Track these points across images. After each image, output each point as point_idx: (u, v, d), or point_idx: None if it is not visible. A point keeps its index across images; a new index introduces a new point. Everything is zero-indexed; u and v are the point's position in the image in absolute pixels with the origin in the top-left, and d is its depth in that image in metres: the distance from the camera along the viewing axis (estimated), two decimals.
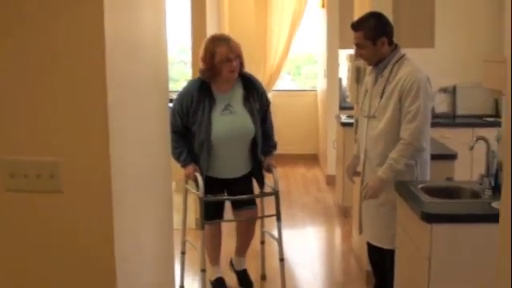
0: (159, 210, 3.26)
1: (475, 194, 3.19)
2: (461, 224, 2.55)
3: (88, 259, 2.19)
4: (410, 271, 3.23)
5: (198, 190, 3.98)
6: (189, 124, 4.05)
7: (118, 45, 2.21)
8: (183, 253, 4.35)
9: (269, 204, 4.30)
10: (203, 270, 4.02)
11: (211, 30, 6.37)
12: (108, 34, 2.04)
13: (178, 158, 4.07)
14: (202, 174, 4.01)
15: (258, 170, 4.20)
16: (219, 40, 4.05)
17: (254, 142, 4.12)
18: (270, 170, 4.19)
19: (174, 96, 4.29)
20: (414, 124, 3.49)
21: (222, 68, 3.94)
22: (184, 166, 4.08)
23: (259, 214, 4.34)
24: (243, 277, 4.46)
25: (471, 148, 3.21)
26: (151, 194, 3.04)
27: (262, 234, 4.39)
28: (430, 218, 2.83)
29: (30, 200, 2.13)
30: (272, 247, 4.54)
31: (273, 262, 4.47)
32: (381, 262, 3.82)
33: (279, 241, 4.13)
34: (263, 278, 4.47)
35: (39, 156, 2.08)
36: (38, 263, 2.20)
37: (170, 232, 3.62)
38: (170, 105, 3.95)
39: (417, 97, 3.51)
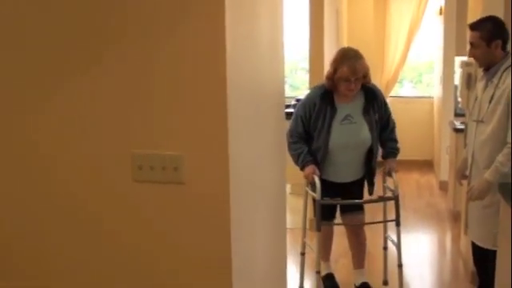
0: (272, 209, 3.46)
1: None
2: None
3: (204, 250, 2.38)
4: (507, 265, 3.35)
5: (315, 192, 4.07)
6: (310, 129, 4.19)
7: (237, 49, 2.43)
8: (303, 254, 4.41)
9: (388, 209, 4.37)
10: (318, 272, 4.13)
11: (329, 38, 6.61)
12: (229, 40, 2.25)
13: (297, 160, 4.19)
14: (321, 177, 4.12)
15: (370, 176, 4.32)
16: (346, 58, 4.08)
17: (370, 151, 4.23)
18: (390, 174, 4.25)
19: (293, 102, 4.56)
20: None
21: (341, 85, 4.07)
22: (303, 167, 4.17)
23: (382, 219, 4.41)
24: None
25: None
26: (266, 193, 3.25)
27: (385, 239, 4.45)
28: None
29: (155, 190, 2.35)
30: (389, 252, 4.59)
31: (390, 267, 4.49)
32: (484, 262, 3.93)
33: (398, 246, 4.17)
34: (385, 283, 4.48)
35: (165, 150, 2.30)
36: (157, 249, 2.41)
37: (283, 232, 3.87)
38: (287, 110, 4.21)
39: None
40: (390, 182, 4.25)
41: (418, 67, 10.53)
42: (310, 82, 6.20)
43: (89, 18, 2.28)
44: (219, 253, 2.40)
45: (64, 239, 2.47)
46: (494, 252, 3.70)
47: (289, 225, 4.10)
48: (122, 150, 2.34)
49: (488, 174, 3.67)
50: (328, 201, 4.13)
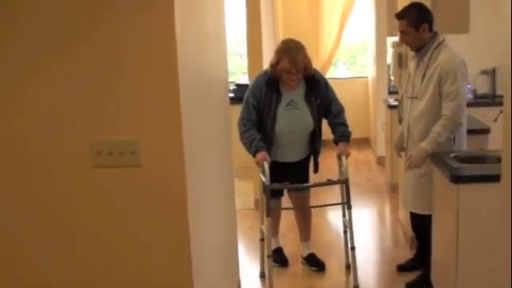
0: (223, 191, 3.69)
1: (500, 159, 3.56)
2: (484, 183, 2.91)
3: (164, 228, 2.53)
4: (443, 229, 3.65)
5: (264, 177, 4.23)
6: (260, 113, 4.38)
7: (186, 40, 2.60)
8: (262, 239, 4.53)
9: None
10: (269, 256, 4.25)
11: (266, 22, 6.76)
12: (178, 31, 2.41)
13: (249, 147, 4.35)
14: (271, 163, 4.26)
15: (315, 155, 4.58)
16: (288, 51, 4.26)
17: (313, 133, 4.48)
18: (339, 158, 4.43)
19: (232, 87, 4.69)
20: (455, 102, 3.88)
21: (283, 75, 4.28)
22: (254, 153, 4.32)
23: (339, 201, 4.57)
24: (313, 259, 4.72)
25: (495, 120, 3.60)
26: (216, 175, 3.45)
27: (344, 223, 4.59)
28: (457, 179, 3.27)
29: (114, 174, 2.48)
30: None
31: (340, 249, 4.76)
32: (422, 226, 4.22)
33: (350, 229, 4.31)
34: (348, 267, 4.58)
35: (122, 136, 2.43)
36: (118, 230, 2.54)
37: (233, 213, 4.12)
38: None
39: (455, 79, 3.90)
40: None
41: (352, 49, 10.81)
42: (249, 68, 6.32)
43: (50, 17, 2.39)
44: (178, 230, 2.56)
45: (26, 226, 2.56)
46: (430, 216, 4.00)
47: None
48: (81, 138, 2.45)
49: (425, 144, 3.94)
50: (277, 185, 4.32)
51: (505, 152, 2.34)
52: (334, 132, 4.53)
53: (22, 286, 2.63)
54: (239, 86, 7.61)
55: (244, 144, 4.39)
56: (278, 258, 4.72)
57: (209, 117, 3.25)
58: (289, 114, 4.38)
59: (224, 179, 3.76)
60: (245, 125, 4.37)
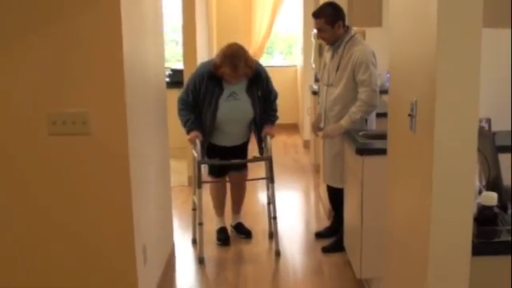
0: (159, 166, 4.11)
1: None
2: (383, 156, 3.37)
3: (108, 183, 2.97)
4: (352, 198, 4.19)
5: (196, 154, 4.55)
6: (199, 101, 4.60)
7: (130, 25, 3.04)
8: (194, 209, 4.84)
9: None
10: (200, 224, 4.57)
11: (200, 10, 7.13)
12: (124, 18, 2.85)
13: (184, 125, 4.63)
14: (203, 141, 4.58)
15: (258, 140, 4.84)
16: (230, 59, 4.42)
17: (254, 121, 4.74)
18: (264, 138, 4.75)
19: (167, 73, 4.98)
20: (369, 88, 4.37)
21: (225, 77, 4.51)
22: (188, 132, 4.62)
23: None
24: (240, 227, 5.13)
25: None
26: (154, 150, 3.88)
27: (268, 196, 4.92)
28: (362, 152, 3.80)
29: (67, 141, 2.92)
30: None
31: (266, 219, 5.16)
32: (336, 198, 4.76)
33: (273, 201, 4.73)
34: (271, 236, 4.96)
35: (75, 108, 2.88)
36: (69, 191, 2.97)
37: (168, 187, 4.54)
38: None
39: (367, 67, 4.39)
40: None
41: (288, 39, 11.25)
42: (184, 55, 6.67)
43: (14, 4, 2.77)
44: (121, 189, 3.03)
45: None
46: (343, 190, 4.54)
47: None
48: (39, 110, 2.88)
49: (343, 121, 4.42)
50: (207, 161, 4.74)
51: (390, 137, 2.86)
52: (264, 115, 4.79)
53: None
54: (174, 71, 8.00)
55: (180, 120, 4.67)
56: (222, 236, 5.03)
57: (148, 99, 3.67)
58: (230, 105, 4.60)
59: (160, 156, 4.18)
60: (182, 103, 4.64)
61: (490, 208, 2.23)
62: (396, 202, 2.81)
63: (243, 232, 5.11)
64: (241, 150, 4.92)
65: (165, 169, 4.39)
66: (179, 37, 8.68)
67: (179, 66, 8.29)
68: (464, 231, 2.14)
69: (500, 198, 2.36)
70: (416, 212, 2.39)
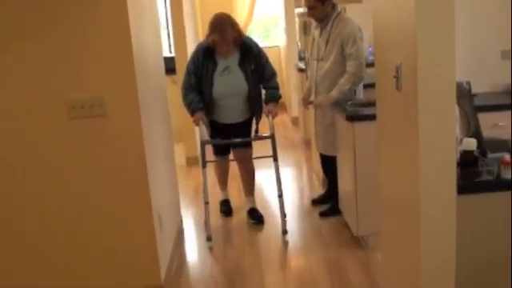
0: (165, 147, 4.38)
1: None
2: (372, 121, 3.63)
3: (126, 158, 3.28)
4: (345, 164, 4.50)
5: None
6: (199, 78, 4.75)
7: (135, 21, 3.32)
8: (207, 203, 4.71)
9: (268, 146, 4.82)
10: (207, 203, 4.69)
11: (186, 0, 7.39)
12: (131, 14, 3.15)
13: (188, 108, 4.78)
14: (206, 122, 4.74)
15: (256, 117, 4.97)
16: (218, 25, 4.61)
17: (249, 96, 4.85)
18: (267, 116, 4.81)
19: None
20: (356, 60, 4.66)
21: (216, 46, 4.67)
22: (192, 114, 4.76)
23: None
24: (252, 213, 5.15)
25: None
26: (160, 133, 4.15)
27: (278, 186, 4.80)
28: (352, 118, 4.11)
29: (86, 123, 3.23)
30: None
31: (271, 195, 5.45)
32: (329, 166, 5.07)
33: (277, 178, 4.76)
34: (284, 232, 4.74)
35: (91, 93, 3.19)
36: (90, 169, 3.28)
37: (173, 166, 4.81)
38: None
39: (354, 41, 4.68)
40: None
41: (265, 22, 11.55)
42: (175, 43, 6.99)
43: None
44: (138, 165, 3.35)
45: (14, 175, 3.27)
46: (335, 158, 4.85)
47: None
48: (59, 96, 3.17)
49: (333, 92, 4.72)
50: (210, 141, 4.95)
51: (378, 99, 3.17)
52: (265, 94, 4.94)
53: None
54: (165, 58, 8.21)
55: (185, 106, 4.83)
56: (225, 208, 5.33)
57: (152, 85, 3.95)
58: (224, 79, 4.75)
59: (165, 136, 4.45)
60: (186, 89, 4.79)
61: (470, 152, 2.56)
62: (386, 159, 3.12)
63: (255, 217, 5.13)
64: (243, 128, 5.01)
65: (169, 148, 4.67)
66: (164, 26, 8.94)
67: (167, 53, 8.55)
68: (449, 174, 2.45)
69: (480, 147, 2.69)
70: (405, 164, 2.70)
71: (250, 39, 4.98)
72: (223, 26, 4.63)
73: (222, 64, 4.78)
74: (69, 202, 3.31)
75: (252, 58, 4.82)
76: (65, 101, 3.17)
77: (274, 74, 4.96)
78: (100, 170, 3.30)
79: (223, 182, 5.39)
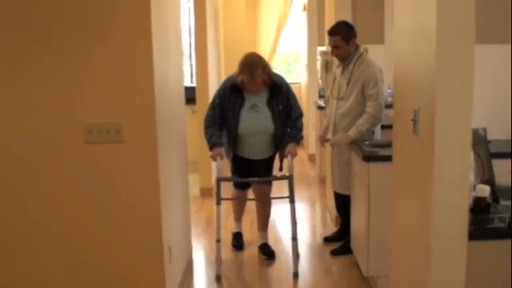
0: (180, 177, 4.39)
1: None
2: (388, 162, 3.66)
3: (140, 184, 3.29)
4: (359, 203, 4.50)
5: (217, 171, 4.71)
6: (224, 112, 4.74)
7: (158, 47, 3.38)
8: (218, 241, 4.66)
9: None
10: (218, 241, 4.63)
11: (210, 34, 7.48)
12: (154, 40, 3.20)
13: (208, 141, 4.75)
14: (225, 158, 4.73)
15: (280, 156, 4.93)
16: (247, 67, 4.57)
17: (274, 136, 4.81)
18: (287, 157, 4.79)
19: None
20: (376, 102, 4.72)
21: (244, 86, 4.65)
22: (211, 148, 4.74)
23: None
24: (264, 248, 5.10)
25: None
26: (176, 162, 4.17)
27: (292, 230, 4.72)
28: (368, 159, 4.13)
29: (102, 149, 3.24)
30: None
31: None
32: (344, 205, 5.07)
33: (292, 221, 4.70)
34: (295, 275, 4.63)
35: (109, 119, 3.20)
36: (105, 193, 3.28)
37: (187, 197, 4.81)
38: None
39: (375, 83, 4.74)
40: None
41: (287, 58, 11.67)
42: (197, 74, 7.08)
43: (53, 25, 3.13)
44: (151, 194, 3.35)
45: (27, 197, 3.28)
46: (349, 197, 4.85)
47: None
48: (78, 121, 3.21)
49: (350, 131, 4.76)
50: (226, 178, 4.93)
51: (395, 141, 3.19)
52: (288, 134, 4.87)
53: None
54: (186, 88, 8.31)
55: (205, 138, 4.80)
56: (237, 242, 5.28)
57: (170, 114, 3.99)
58: (251, 117, 4.71)
59: (180, 167, 4.47)
60: (208, 121, 4.77)
61: (483, 199, 2.57)
62: (400, 201, 3.13)
63: (266, 253, 5.07)
64: (266, 164, 4.99)
65: (184, 178, 4.70)
66: (185, 56, 9.06)
67: (186, 83, 8.63)
68: (461, 219, 2.46)
69: (493, 194, 2.70)
70: (418, 207, 2.71)
71: (281, 78, 4.92)
72: (253, 68, 4.57)
73: (249, 101, 4.74)
74: (80, 227, 3.33)
75: (281, 97, 4.77)
76: (82, 126, 3.20)
77: (300, 115, 4.92)
78: (113, 196, 3.31)
79: (239, 214, 5.36)
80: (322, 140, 5.39)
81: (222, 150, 4.75)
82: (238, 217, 5.37)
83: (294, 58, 11.55)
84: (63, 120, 3.22)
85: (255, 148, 4.88)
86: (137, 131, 3.26)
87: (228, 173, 5.22)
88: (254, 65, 4.58)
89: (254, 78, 4.58)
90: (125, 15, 3.15)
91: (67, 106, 3.21)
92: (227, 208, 5.45)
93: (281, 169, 5.08)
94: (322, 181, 7.26)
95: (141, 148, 3.28)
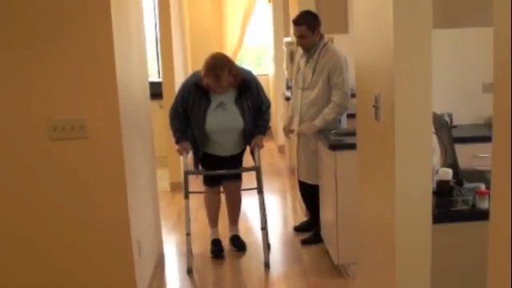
0: (147, 172, 4.38)
1: None
2: (353, 150, 3.64)
3: (105, 180, 3.27)
4: (327, 192, 4.53)
5: (192, 165, 4.67)
6: (188, 110, 4.62)
7: (120, 42, 3.37)
8: (188, 234, 4.64)
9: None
10: (188, 234, 4.60)
11: (175, 28, 7.43)
12: (115, 37, 3.18)
13: (174, 135, 4.72)
14: (192, 152, 4.68)
15: (250, 149, 4.83)
16: (212, 69, 4.40)
17: (244, 131, 4.70)
18: (253, 149, 4.76)
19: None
20: (341, 91, 4.73)
21: (209, 87, 4.50)
22: (176, 142, 4.71)
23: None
24: (234, 240, 5.07)
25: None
26: (143, 157, 4.18)
27: (261, 220, 4.75)
28: (334, 147, 4.15)
29: (67, 145, 3.21)
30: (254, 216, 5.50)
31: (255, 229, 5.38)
32: (311, 195, 5.07)
33: (261, 211, 4.70)
34: (266, 265, 4.65)
35: (73, 115, 3.18)
36: (69, 190, 3.25)
37: (155, 192, 4.80)
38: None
39: (341, 72, 4.75)
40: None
41: (257, 51, 11.65)
42: (163, 69, 7.02)
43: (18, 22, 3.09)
44: (117, 188, 3.34)
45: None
46: (317, 186, 4.88)
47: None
48: (41, 117, 3.17)
49: (316, 121, 4.76)
50: (193, 171, 4.86)
51: (359, 128, 3.21)
52: (255, 124, 4.76)
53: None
54: (151, 83, 8.25)
55: (171, 130, 4.77)
56: (215, 249, 4.98)
57: (135, 109, 3.96)
58: (218, 116, 4.59)
59: (147, 161, 4.45)
60: (171, 114, 4.72)
61: (446, 182, 2.59)
62: (365, 188, 3.15)
63: (237, 245, 5.06)
64: (236, 160, 4.93)
65: (151, 174, 4.68)
66: (152, 51, 9.01)
67: (153, 78, 8.58)
68: (425, 203, 2.49)
69: (456, 177, 2.73)
70: (382, 193, 2.73)
71: (249, 73, 4.79)
72: (218, 72, 4.41)
73: (215, 101, 4.62)
74: (45, 222, 3.29)
75: (250, 93, 4.66)
76: (46, 122, 3.17)
77: (268, 106, 4.85)
78: (79, 191, 3.28)
79: (213, 218, 5.11)
80: (287, 131, 5.40)
81: (188, 144, 4.72)
82: (213, 222, 5.12)
83: (263, 51, 11.54)
84: (26, 117, 3.18)
85: (224, 145, 4.81)
86: (101, 127, 3.24)
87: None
88: (219, 68, 4.42)
89: (220, 82, 4.45)
90: (85, 11, 3.12)
91: (30, 103, 3.18)
92: (197, 201, 5.43)
93: (254, 162, 4.99)
94: (292, 171, 7.27)
95: (105, 143, 3.26)
